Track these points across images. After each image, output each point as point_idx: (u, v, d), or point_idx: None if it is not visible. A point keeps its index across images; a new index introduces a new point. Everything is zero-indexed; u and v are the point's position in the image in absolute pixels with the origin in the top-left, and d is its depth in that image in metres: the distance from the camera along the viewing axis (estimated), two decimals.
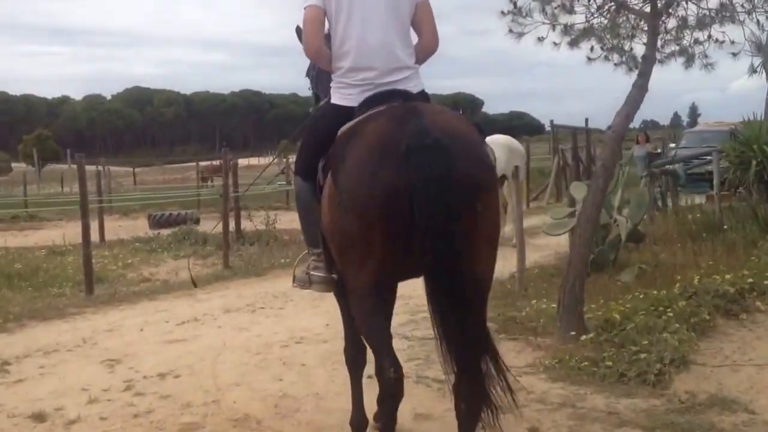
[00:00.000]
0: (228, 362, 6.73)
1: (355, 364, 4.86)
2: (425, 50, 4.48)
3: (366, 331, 3.95)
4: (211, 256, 14.42)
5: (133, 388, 6.00)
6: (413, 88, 4.29)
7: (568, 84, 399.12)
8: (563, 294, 6.84)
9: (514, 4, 7.13)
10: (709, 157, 15.59)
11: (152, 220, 21.91)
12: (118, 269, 13.52)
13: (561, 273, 9.91)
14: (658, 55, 6.99)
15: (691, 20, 6.93)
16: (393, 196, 3.43)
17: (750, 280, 7.93)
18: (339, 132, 4.08)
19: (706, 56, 7.24)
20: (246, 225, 17.22)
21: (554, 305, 7.65)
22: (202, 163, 42.05)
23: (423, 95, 4.35)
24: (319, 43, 4.32)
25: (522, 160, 15.24)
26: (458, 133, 3.68)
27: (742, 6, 6.74)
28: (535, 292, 8.87)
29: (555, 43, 7.28)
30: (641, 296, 7.56)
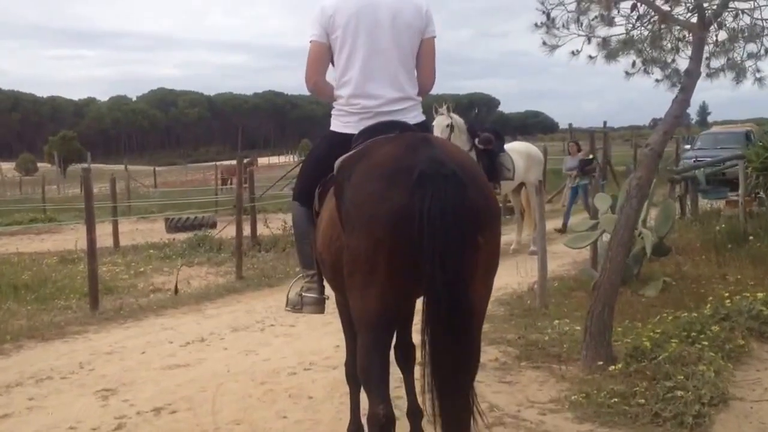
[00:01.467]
0: (231, 393, 6.29)
1: (354, 378, 4.65)
2: (420, 87, 4.50)
3: (364, 367, 3.69)
4: (226, 263, 14.03)
5: (125, 427, 5.56)
6: (412, 119, 4.33)
7: (582, 84, 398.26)
8: (591, 320, 6.35)
9: (548, 16, 6.64)
10: (728, 163, 15.11)
11: (169, 224, 21.60)
12: (129, 278, 13.15)
13: (581, 286, 9.56)
14: (705, 70, 6.50)
15: (743, 31, 6.37)
16: (402, 218, 3.35)
17: None
18: (342, 158, 3.99)
19: (758, 70, 6.70)
20: (262, 230, 16.88)
21: (578, 327, 7.22)
22: (223, 163, 41.66)
23: (422, 126, 4.37)
24: (317, 79, 4.44)
25: (540, 167, 14.85)
26: (467, 166, 3.65)
27: None
28: (557, 310, 8.42)
29: (591, 57, 6.77)
30: (670, 318, 7.14)
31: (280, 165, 70.11)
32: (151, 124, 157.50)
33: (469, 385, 3.52)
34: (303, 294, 4.62)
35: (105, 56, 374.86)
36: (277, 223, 17.21)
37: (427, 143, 3.64)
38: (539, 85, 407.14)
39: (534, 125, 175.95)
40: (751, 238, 10.87)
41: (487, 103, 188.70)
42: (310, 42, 4.39)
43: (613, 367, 6.07)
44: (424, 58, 4.46)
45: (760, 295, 7.49)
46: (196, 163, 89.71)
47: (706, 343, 6.28)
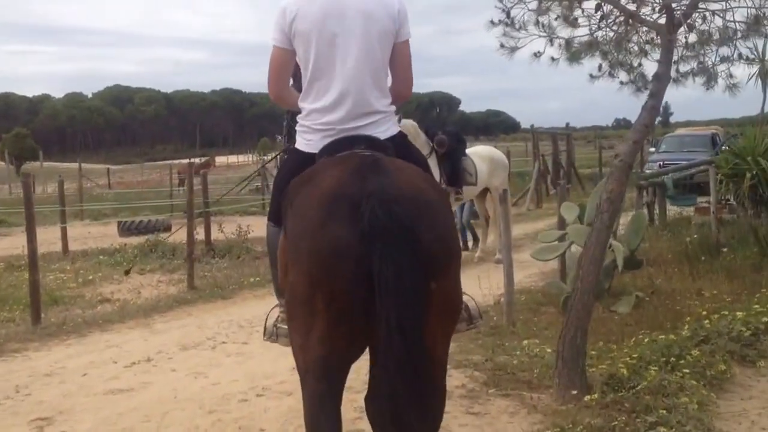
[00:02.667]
0: (176, 424, 5.79)
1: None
2: (396, 95, 4.12)
3: (311, 423, 3.32)
4: (179, 270, 13.41)
5: None
6: (382, 133, 3.91)
7: (544, 83, 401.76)
8: (563, 345, 5.94)
9: (507, 14, 6.19)
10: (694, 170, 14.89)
11: (122, 228, 20.96)
12: (77, 287, 12.52)
13: (550, 300, 9.17)
14: (674, 74, 6.11)
15: (714, 34, 5.98)
16: (341, 257, 3.09)
17: (765, 319, 7.25)
18: (294, 179, 3.63)
19: (731, 75, 6.30)
20: (217, 235, 16.34)
21: (548, 349, 6.84)
22: (182, 162, 40.80)
23: (395, 140, 3.95)
24: (280, 87, 4.11)
25: (505, 172, 14.45)
26: (420, 197, 3.29)
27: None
28: (525, 328, 8.02)
29: (553, 59, 6.35)
30: (646, 340, 6.79)
31: (238, 164, 69.30)
32: (107, 121, 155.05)
33: None
34: (278, 325, 4.23)
35: (62, 52, 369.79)
36: (232, 227, 16.68)
37: (376, 169, 3.31)
38: (501, 83, 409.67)
39: (496, 125, 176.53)
40: (724, 249, 10.60)
41: (448, 102, 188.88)
42: (273, 46, 4.00)
43: (588, 397, 5.65)
44: (398, 63, 4.05)
45: (739, 314, 7.19)
46: (153, 161, 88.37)
47: (687, 370, 5.92)
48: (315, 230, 3.17)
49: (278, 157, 4.95)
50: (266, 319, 4.40)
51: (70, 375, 7.28)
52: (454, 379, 6.50)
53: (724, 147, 16.49)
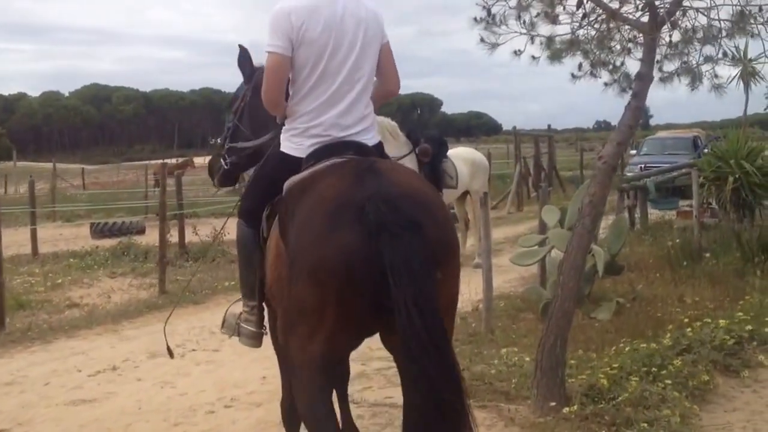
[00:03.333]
0: None
1: (291, 421, 4.47)
2: (386, 95, 4.32)
3: (309, 412, 3.45)
4: (151, 273, 13.09)
5: None
6: (370, 140, 4.03)
7: (525, 84, 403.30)
8: (541, 354, 5.73)
9: (488, 11, 5.96)
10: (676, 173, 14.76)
11: (94, 230, 20.56)
12: (45, 291, 12.16)
13: (529, 306, 8.95)
14: (658, 74, 5.91)
15: (698, 33, 5.78)
16: (351, 264, 3.15)
17: (749, 327, 7.09)
18: (288, 185, 3.74)
19: (716, 75, 6.11)
20: (191, 237, 16.01)
21: (527, 357, 6.63)
22: (158, 162, 40.15)
23: (378, 148, 4.07)
24: (279, 96, 4.01)
25: (485, 174, 14.24)
26: (419, 194, 3.43)
27: (757, 16, 5.61)
28: (504, 336, 7.81)
29: (534, 57, 6.14)
30: (627, 349, 6.59)
31: None
32: (84, 120, 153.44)
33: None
34: (240, 324, 4.31)
35: (39, 50, 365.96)
36: (207, 230, 16.35)
37: (374, 172, 3.41)
38: (482, 85, 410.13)
39: (477, 127, 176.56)
40: (707, 254, 10.45)
41: (430, 103, 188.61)
42: (272, 53, 3.89)
43: (567, 408, 5.44)
44: (385, 64, 4.16)
45: (722, 322, 7.02)
46: (131, 161, 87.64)
47: (669, 381, 5.73)
48: (322, 238, 3.22)
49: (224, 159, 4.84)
50: (226, 312, 4.49)
51: (31, 384, 7.02)
52: None
53: (706, 150, 16.40)
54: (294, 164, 3.87)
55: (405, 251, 3.09)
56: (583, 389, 5.70)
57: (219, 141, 4.99)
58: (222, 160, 4.82)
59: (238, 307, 4.36)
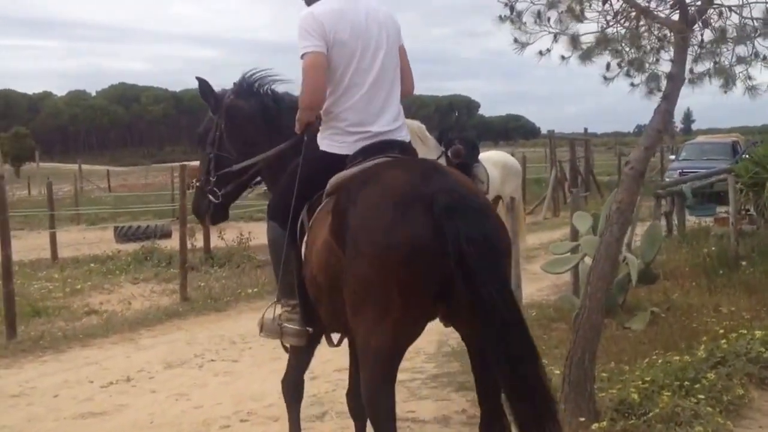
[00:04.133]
0: None
1: (296, 395, 4.89)
2: (403, 94, 4.40)
3: (374, 401, 3.56)
4: (174, 279, 12.85)
5: None
6: (405, 137, 4.27)
7: (564, 87, 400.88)
8: (569, 368, 5.44)
9: (511, 9, 5.69)
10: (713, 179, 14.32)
11: (118, 233, 20.48)
12: (63, 297, 12.01)
13: (562, 316, 8.66)
14: (688, 75, 5.60)
15: (731, 32, 5.45)
16: (422, 249, 3.31)
17: None
18: (341, 178, 3.93)
19: (749, 77, 5.77)
20: (216, 242, 15.79)
21: (557, 370, 6.34)
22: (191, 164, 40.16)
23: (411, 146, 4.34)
24: (323, 94, 4.11)
25: (518, 179, 13.85)
26: (479, 195, 3.73)
27: None
28: None
29: (563, 57, 5.84)
30: (660, 362, 6.28)
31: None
32: (111, 121, 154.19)
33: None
34: (283, 324, 4.31)
35: (65, 48, 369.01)
36: (233, 234, 16.15)
37: (438, 171, 3.64)
38: (520, 87, 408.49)
39: (515, 130, 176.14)
40: (743, 263, 10.09)
41: (467, 105, 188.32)
42: (310, 53, 4.01)
43: (596, 424, 5.17)
44: (404, 66, 4.40)
45: (758, 333, 6.69)
46: (162, 163, 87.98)
47: (702, 395, 5.43)
48: (393, 228, 3.34)
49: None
50: (263, 317, 4.43)
51: (40, 396, 6.85)
52: (454, 403, 6.12)
53: (744, 155, 16.00)
54: (337, 162, 4.06)
55: (483, 227, 3.33)
56: (614, 404, 5.42)
57: (199, 179, 4.96)
58: (210, 195, 4.80)
59: (272, 313, 4.38)
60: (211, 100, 4.79)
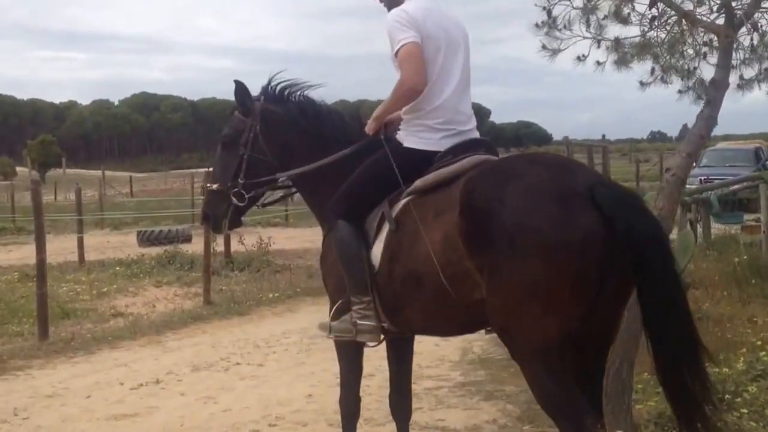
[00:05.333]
0: None
1: (355, 413, 4.73)
2: None
3: (554, 393, 3.53)
4: (197, 283, 12.91)
5: None
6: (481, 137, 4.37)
7: (576, 93, 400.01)
8: (607, 379, 5.33)
9: (549, 13, 5.60)
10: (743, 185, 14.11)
11: (141, 238, 20.58)
12: (90, 299, 12.08)
13: None
14: (736, 80, 5.53)
15: None
16: (592, 243, 3.34)
17: None
18: (440, 176, 3.98)
19: None
20: (237, 247, 15.83)
21: None
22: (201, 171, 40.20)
23: None
24: (426, 77, 4.10)
25: None
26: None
27: None
28: None
29: (599, 63, 5.77)
30: None
31: None
32: (132, 129, 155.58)
33: None
34: (357, 321, 4.18)
35: (90, 59, 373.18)
36: (253, 239, 16.19)
37: (573, 164, 3.76)
38: (531, 94, 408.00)
39: (527, 136, 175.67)
40: None
41: (478, 112, 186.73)
42: (408, 43, 4.04)
43: None
44: None
45: None
46: (179, 169, 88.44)
47: (744, 410, 5.33)
48: (562, 224, 3.33)
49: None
50: (330, 320, 4.33)
51: (72, 397, 6.84)
52: (484, 412, 6.03)
53: None
54: (421, 159, 4.11)
55: (648, 219, 3.45)
56: (652, 417, 5.34)
57: (225, 181, 4.65)
58: (235, 198, 4.58)
59: (343, 314, 4.25)
60: (247, 102, 4.67)
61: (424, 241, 3.78)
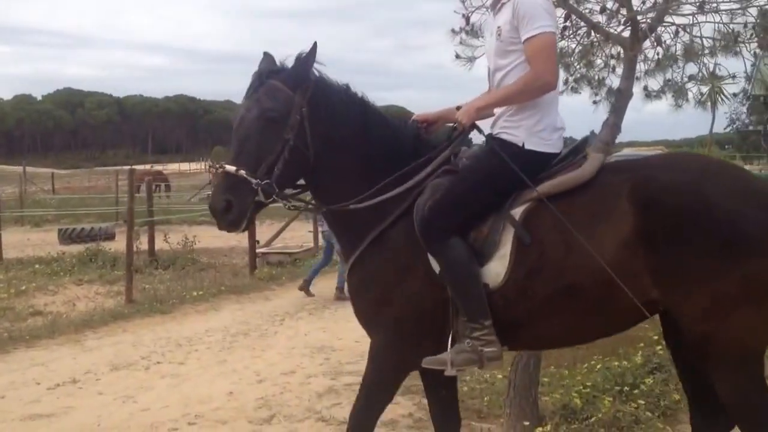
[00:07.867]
0: None
1: None
2: None
3: (762, 403, 3.41)
4: (119, 281, 12.82)
5: None
6: None
7: None
8: (515, 372, 5.57)
9: (467, 20, 5.73)
10: None
11: (62, 235, 20.27)
12: (8, 298, 11.87)
13: None
14: (643, 91, 5.79)
15: (679, 50, 5.63)
16: None
17: None
18: (578, 179, 3.65)
19: (702, 93, 5.98)
20: (161, 245, 15.76)
21: (500, 375, 6.48)
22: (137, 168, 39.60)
23: None
24: (558, 74, 3.89)
25: None
26: None
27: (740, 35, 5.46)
28: None
29: None
30: (599, 367, 6.44)
31: (190, 172, 68.33)
32: (56, 125, 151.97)
33: None
34: (482, 349, 3.57)
35: (12, 53, 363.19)
36: (177, 237, 16.12)
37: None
38: (455, 99, 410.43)
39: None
40: None
41: (402, 115, 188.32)
42: (551, 33, 3.69)
43: (540, 429, 5.31)
44: None
45: None
46: (104, 166, 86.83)
47: (641, 401, 5.61)
48: None
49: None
50: (449, 354, 3.61)
51: None
52: (400, 407, 6.15)
53: None
54: (542, 160, 3.75)
55: None
56: (557, 408, 5.58)
57: (257, 169, 3.61)
58: (263, 191, 3.60)
59: (463, 345, 3.62)
60: (304, 73, 3.72)
61: (584, 249, 3.41)
